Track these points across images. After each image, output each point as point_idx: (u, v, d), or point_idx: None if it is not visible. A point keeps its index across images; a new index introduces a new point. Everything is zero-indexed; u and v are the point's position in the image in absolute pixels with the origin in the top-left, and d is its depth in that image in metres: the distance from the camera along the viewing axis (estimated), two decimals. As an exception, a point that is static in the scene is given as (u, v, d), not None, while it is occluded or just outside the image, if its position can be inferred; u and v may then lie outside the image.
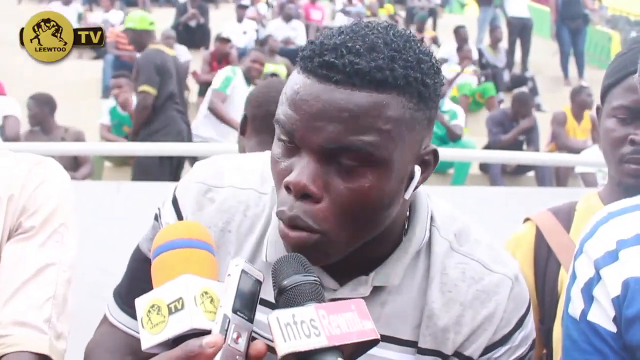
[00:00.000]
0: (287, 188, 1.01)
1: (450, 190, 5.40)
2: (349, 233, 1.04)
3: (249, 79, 6.65)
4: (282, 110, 1.03)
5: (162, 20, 11.31)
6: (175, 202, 1.23)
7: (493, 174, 7.40)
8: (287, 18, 11.49)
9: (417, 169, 1.07)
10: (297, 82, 1.02)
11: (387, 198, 1.03)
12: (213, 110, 6.55)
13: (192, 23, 11.25)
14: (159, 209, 1.26)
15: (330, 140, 0.98)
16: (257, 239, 1.17)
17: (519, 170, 7.66)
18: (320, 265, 1.12)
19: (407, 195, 1.07)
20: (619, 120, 1.50)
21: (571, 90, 8.51)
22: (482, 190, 5.79)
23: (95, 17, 12.19)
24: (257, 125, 2.21)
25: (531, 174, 7.63)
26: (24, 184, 1.36)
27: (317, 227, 1.01)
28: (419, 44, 1.05)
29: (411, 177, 1.06)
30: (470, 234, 1.20)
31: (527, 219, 1.68)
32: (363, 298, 1.09)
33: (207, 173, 1.23)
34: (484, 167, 7.67)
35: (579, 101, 7.91)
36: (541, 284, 1.58)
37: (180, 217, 1.21)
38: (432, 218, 1.18)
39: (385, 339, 1.13)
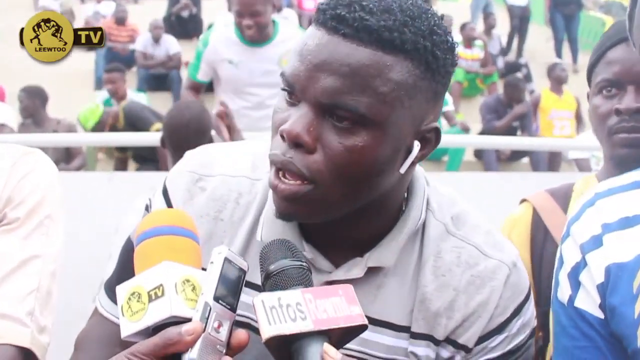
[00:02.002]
0: (282, 136, 1.01)
1: (444, 176, 5.38)
2: (340, 190, 1.03)
3: (243, 28, 3.64)
4: (290, 63, 1.04)
5: (154, 11, 11.28)
6: (165, 192, 1.21)
7: (487, 161, 7.41)
8: (279, 7, 11.44)
9: (417, 144, 1.05)
10: (308, 34, 1.03)
11: (379, 162, 1.02)
12: None
13: (184, 13, 11.20)
14: (149, 199, 1.25)
15: (326, 95, 0.98)
16: (251, 225, 1.16)
17: (514, 157, 7.68)
18: (316, 247, 1.11)
19: (403, 170, 1.06)
20: (603, 95, 1.51)
21: (547, 68, 8.85)
22: (476, 176, 5.79)
23: (87, 9, 12.14)
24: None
25: (525, 160, 7.64)
26: (9, 174, 1.33)
27: (310, 176, 1.01)
28: (435, 18, 1.04)
29: (409, 151, 1.05)
30: (468, 218, 1.18)
31: (523, 200, 1.67)
32: (358, 280, 1.09)
33: (198, 162, 1.22)
34: (479, 154, 7.67)
35: (554, 77, 8.43)
36: (538, 265, 1.57)
37: (170, 207, 1.20)
38: (427, 201, 1.17)
39: (380, 323, 1.13)
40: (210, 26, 9.73)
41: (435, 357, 1.15)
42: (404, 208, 1.15)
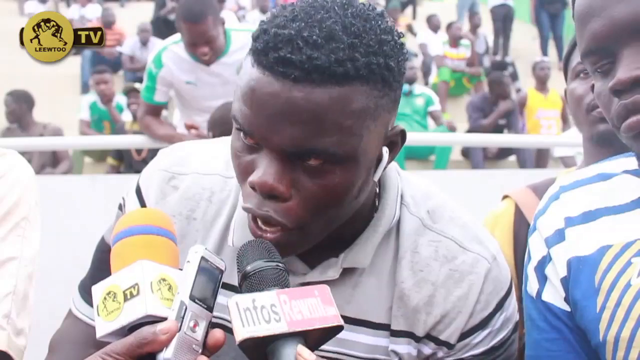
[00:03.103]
0: (253, 188, 0.97)
1: (432, 174, 5.39)
2: (322, 224, 1.01)
3: (199, 55, 3.50)
4: (239, 107, 0.97)
5: (140, 14, 11.24)
6: (138, 191, 1.20)
7: (475, 159, 7.43)
8: (265, 9, 11.43)
9: (385, 151, 1.04)
10: (252, 77, 0.95)
11: (357, 187, 1.00)
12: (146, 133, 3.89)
13: (172, 16, 11.15)
14: (123, 198, 1.24)
15: (292, 144, 0.93)
16: (224, 225, 1.15)
17: (501, 155, 7.69)
18: None
19: (377, 177, 1.04)
20: (580, 78, 1.50)
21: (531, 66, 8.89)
22: (463, 174, 5.79)
23: (72, 13, 12.09)
24: None
25: (512, 158, 7.66)
26: None
27: (291, 224, 0.98)
28: (379, 22, 0.98)
29: (379, 159, 1.03)
30: (446, 210, 1.16)
31: (505, 196, 1.65)
32: (333, 281, 1.08)
33: (171, 160, 1.21)
34: (466, 153, 7.68)
35: (536, 76, 8.48)
36: (521, 262, 1.55)
37: (143, 206, 1.19)
38: (401, 195, 1.15)
39: (358, 322, 1.11)
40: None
41: (417, 354, 1.13)
42: (377, 204, 1.13)
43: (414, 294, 1.11)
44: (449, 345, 1.12)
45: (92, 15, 11.55)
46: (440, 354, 1.14)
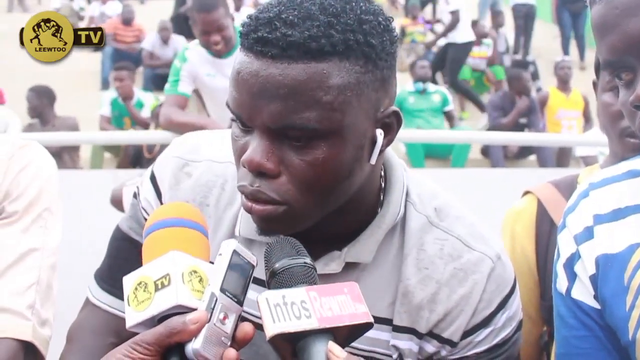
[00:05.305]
0: (245, 166, 1.00)
1: (450, 172, 5.37)
2: (313, 203, 1.02)
3: (211, 45, 3.73)
4: (230, 93, 1.01)
5: (160, 11, 11.29)
6: (153, 178, 1.21)
7: (494, 158, 7.39)
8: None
9: (379, 133, 1.04)
10: (238, 60, 1.00)
11: (345, 167, 1.01)
12: (167, 127, 3.90)
13: (191, 13, 11.19)
14: (137, 187, 1.25)
15: (273, 120, 0.97)
16: (236, 213, 1.16)
17: (521, 154, 7.65)
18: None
19: (373, 161, 1.05)
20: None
21: (553, 66, 8.83)
22: (482, 172, 5.76)
23: (93, 9, 12.17)
24: None
25: (533, 157, 7.62)
26: (7, 168, 1.32)
27: (281, 199, 1.00)
28: (361, 4, 1.01)
29: (374, 142, 1.04)
30: (452, 210, 1.17)
31: (526, 192, 1.63)
32: (335, 274, 1.09)
33: (185, 147, 1.22)
34: (485, 152, 7.65)
35: (558, 76, 8.43)
36: (543, 258, 1.54)
37: (158, 192, 1.20)
38: (407, 193, 1.16)
39: None
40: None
41: (419, 351, 1.14)
42: (382, 199, 1.14)
43: (418, 291, 1.11)
44: (452, 343, 1.13)
45: (112, 12, 11.62)
46: (443, 352, 1.14)
